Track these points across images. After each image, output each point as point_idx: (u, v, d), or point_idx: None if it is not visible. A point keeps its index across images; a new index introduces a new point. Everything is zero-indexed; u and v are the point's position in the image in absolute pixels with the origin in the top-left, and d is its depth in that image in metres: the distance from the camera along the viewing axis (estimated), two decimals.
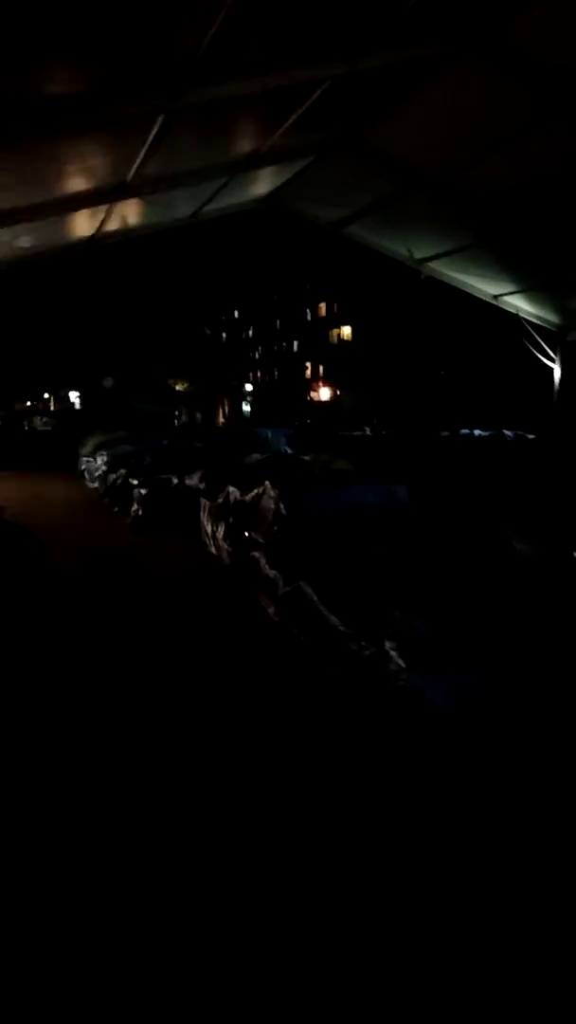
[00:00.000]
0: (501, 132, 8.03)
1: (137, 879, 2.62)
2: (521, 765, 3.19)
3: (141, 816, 3.04)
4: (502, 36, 6.43)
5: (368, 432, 22.22)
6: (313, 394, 58.48)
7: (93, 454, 15.07)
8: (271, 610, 5.50)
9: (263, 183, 10.67)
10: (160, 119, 6.43)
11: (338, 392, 53.23)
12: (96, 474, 13.91)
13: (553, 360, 13.41)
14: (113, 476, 11.94)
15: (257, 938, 2.33)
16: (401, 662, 3.61)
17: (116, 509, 11.12)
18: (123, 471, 11.45)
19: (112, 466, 12.61)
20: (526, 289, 12.66)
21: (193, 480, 9.29)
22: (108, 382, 32.87)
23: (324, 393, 56.76)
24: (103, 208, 9.11)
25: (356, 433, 20.97)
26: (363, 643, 3.98)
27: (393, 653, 3.67)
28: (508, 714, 3.38)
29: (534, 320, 13.42)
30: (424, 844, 2.86)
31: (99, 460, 13.94)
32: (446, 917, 2.45)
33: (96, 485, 13.74)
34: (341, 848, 2.84)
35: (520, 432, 17.18)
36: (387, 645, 3.73)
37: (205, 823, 2.99)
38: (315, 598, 4.66)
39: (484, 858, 2.75)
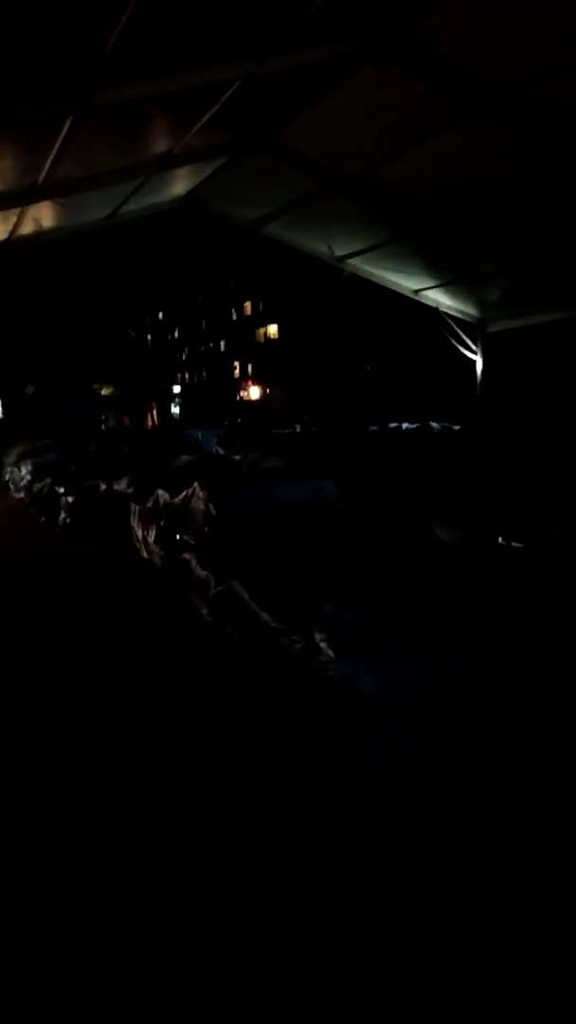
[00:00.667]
0: (411, 130, 8.19)
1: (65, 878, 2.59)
2: (452, 748, 3.29)
3: (65, 816, 3.01)
4: (404, 37, 6.56)
5: (298, 429, 22.35)
6: (243, 393, 58.47)
7: (17, 463, 14.71)
8: (204, 611, 5.49)
9: (179, 183, 10.62)
10: (69, 120, 6.34)
11: (267, 390, 53.36)
12: (21, 484, 13.58)
13: (475, 352, 13.75)
14: (39, 485, 11.69)
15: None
16: (331, 653, 3.66)
17: (43, 519, 10.90)
18: (48, 479, 11.23)
19: (37, 475, 12.35)
20: (445, 283, 12.95)
21: (121, 485, 9.18)
22: (30, 389, 32.07)
23: (254, 392, 56.82)
24: (15, 211, 8.91)
25: (287, 431, 21.07)
26: (294, 637, 4.02)
27: (323, 645, 3.72)
28: (438, 699, 3.47)
29: (455, 314, 13.73)
30: (357, 829, 2.92)
31: (23, 469, 13.62)
32: (378, 902, 2.51)
33: (22, 495, 13.42)
34: (273, 838, 2.87)
35: (446, 424, 17.58)
36: (317, 637, 3.78)
37: (139, 822, 2.98)
38: (246, 596, 4.68)
39: (416, 842, 2.83)
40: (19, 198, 8.17)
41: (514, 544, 5.38)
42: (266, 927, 2.37)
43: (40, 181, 7.80)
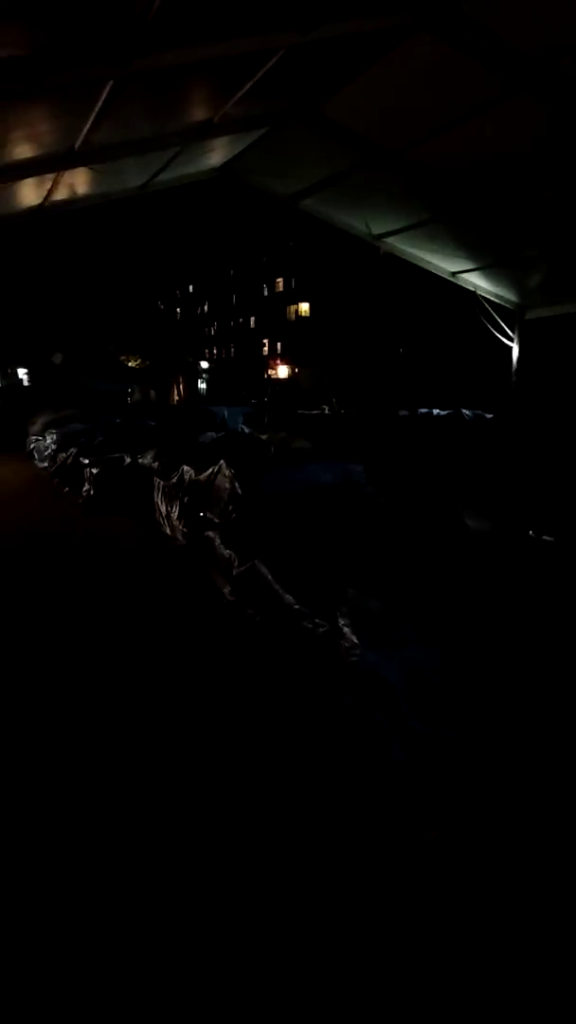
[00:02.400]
0: (457, 107, 7.96)
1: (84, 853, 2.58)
2: (475, 738, 3.23)
3: (93, 791, 3.00)
4: (456, 10, 6.35)
5: (326, 411, 22.21)
6: (271, 371, 58.16)
7: (42, 433, 14.77)
8: (226, 590, 5.47)
9: (217, 154, 10.44)
10: (109, 86, 6.23)
11: (296, 370, 53.05)
12: (45, 453, 13.64)
13: (511, 339, 13.47)
14: (63, 455, 11.72)
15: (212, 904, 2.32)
16: (355, 639, 3.62)
17: (67, 489, 10.93)
18: (73, 450, 11.25)
19: (62, 445, 12.38)
20: (484, 267, 12.66)
21: (146, 459, 9.17)
22: (57, 358, 32.12)
23: (282, 371, 56.49)
24: (50, 177, 8.82)
25: (314, 412, 20.95)
26: (317, 620, 3.98)
27: (347, 630, 3.68)
28: (461, 688, 3.42)
29: (492, 298, 13.45)
30: (374, 818, 2.88)
31: (48, 439, 13.66)
32: (394, 889, 2.47)
33: (46, 465, 13.48)
34: (294, 821, 2.84)
35: (478, 411, 17.33)
36: (341, 622, 3.73)
37: (163, 799, 2.96)
38: (270, 577, 4.64)
39: (436, 830, 2.78)
40: (55, 163, 8.08)
41: (545, 537, 5.27)
42: (275, 913, 2.34)
43: (77, 146, 7.70)
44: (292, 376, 53.35)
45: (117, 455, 9.86)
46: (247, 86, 7.32)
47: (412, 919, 2.34)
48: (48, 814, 2.89)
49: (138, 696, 4.02)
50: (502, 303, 13.54)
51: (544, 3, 6.12)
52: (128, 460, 9.63)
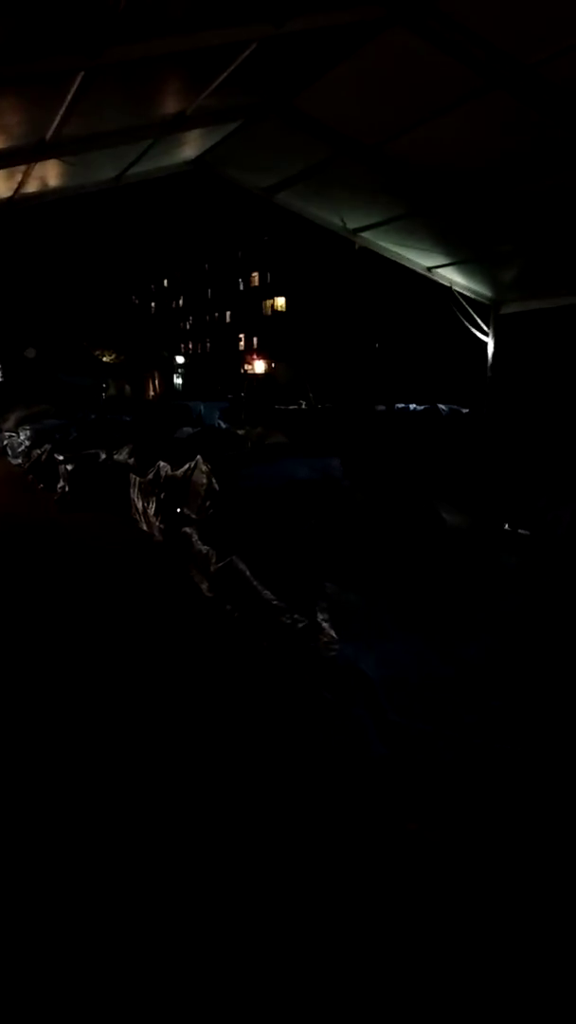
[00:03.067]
0: (432, 102, 7.95)
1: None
2: (453, 731, 3.24)
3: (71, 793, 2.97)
4: (430, 4, 6.34)
5: (303, 405, 22.21)
6: (247, 366, 58.05)
7: (15, 429, 14.61)
8: (204, 586, 5.44)
9: (191, 146, 10.35)
10: (79, 77, 6.14)
11: (273, 365, 52.98)
12: (19, 450, 13.49)
13: (487, 334, 13.51)
14: (37, 452, 11.60)
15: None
16: (333, 633, 3.62)
17: (41, 486, 10.82)
18: (48, 446, 11.14)
19: (36, 441, 12.25)
20: (459, 262, 12.68)
21: (122, 455, 9.10)
22: (30, 353, 31.76)
23: (259, 366, 56.41)
24: (21, 169, 8.70)
25: (291, 407, 20.95)
26: (296, 615, 3.97)
27: (325, 624, 3.68)
28: (440, 682, 3.43)
29: (468, 293, 13.48)
30: (353, 811, 2.88)
31: (22, 435, 13.52)
32: (374, 879, 2.47)
33: (19, 461, 13.33)
34: (275, 815, 2.83)
35: (455, 406, 17.42)
36: (319, 617, 3.73)
37: (143, 796, 2.94)
38: (248, 572, 4.63)
39: (415, 822, 2.79)
40: (25, 155, 7.95)
41: (520, 531, 5.31)
42: (262, 909, 2.33)
43: (47, 138, 7.59)
44: (269, 371, 53.29)
45: (92, 451, 9.78)
46: (220, 78, 7.26)
47: (392, 908, 2.34)
48: (32, 815, 2.86)
49: (116, 693, 3.99)
50: (477, 298, 13.58)
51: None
52: (103, 456, 9.56)
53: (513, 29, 6.54)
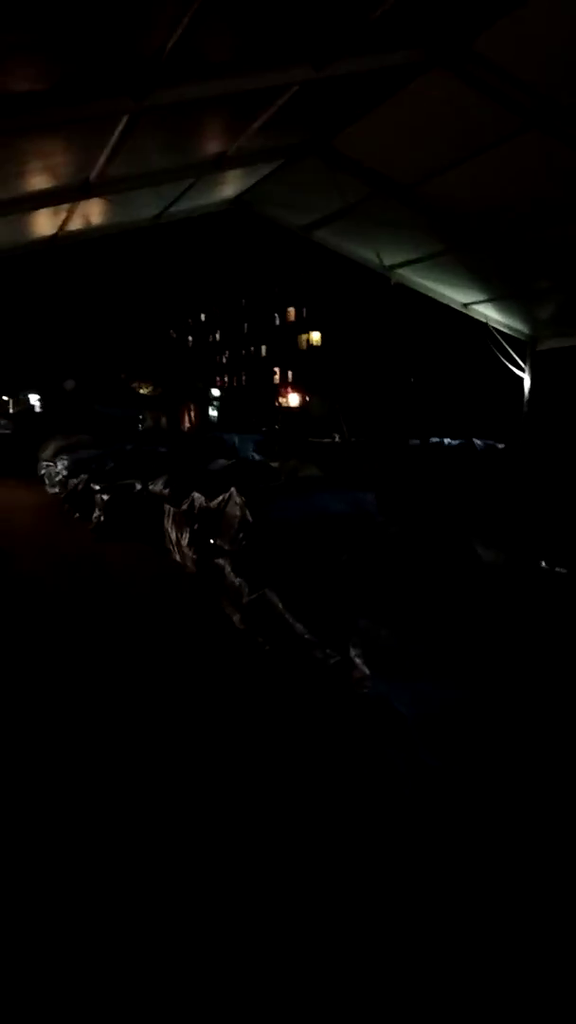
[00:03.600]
0: (469, 142, 8.05)
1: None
2: (488, 772, 3.16)
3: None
4: (466, 47, 6.45)
5: (337, 439, 22.25)
6: (281, 399, 58.54)
7: (53, 458, 14.82)
8: (236, 618, 5.42)
9: (230, 186, 10.60)
10: (124, 119, 6.34)
11: (307, 398, 53.34)
12: (56, 479, 13.67)
13: (523, 369, 13.49)
14: (74, 481, 11.75)
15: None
16: (366, 669, 3.57)
17: (77, 515, 10.94)
18: (84, 476, 11.28)
19: (73, 471, 12.41)
20: (495, 298, 12.73)
21: (157, 486, 9.17)
22: (69, 384, 32.39)
23: (293, 399, 56.83)
24: (65, 207, 8.96)
25: (325, 440, 21.01)
26: (328, 651, 3.93)
27: (358, 661, 3.63)
28: (474, 723, 3.35)
29: (504, 329, 13.50)
30: (389, 851, 2.81)
31: (59, 465, 13.71)
32: (400, 928, 2.39)
33: (56, 490, 13.51)
34: (302, 855, 2.77)
35: (490, 441, 17.31)
36: (352, 652, 3.69)
37: (162, 837, 2.90)
38: (280, 606, 4.60)
39: (440, 869, 2.71)
40: (71, 194, 8.20)
41: (558, 569, 5.22)
42: (278, 952, 2.27)
43: (92, 178, 7.82)
44: (303, 404, 53.64)
45: (128, 481, 9.87)
46: (261, 120, 7.43)
47: (417, 960, 2.26)
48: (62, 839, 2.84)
49: (148, 724, 3.96)
50: (514, 334, 13.58)
51: (553, 40, 6.21)
52: (139, 487, 9.64)
53: (549, 70, 6.62)
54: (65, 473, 12.91)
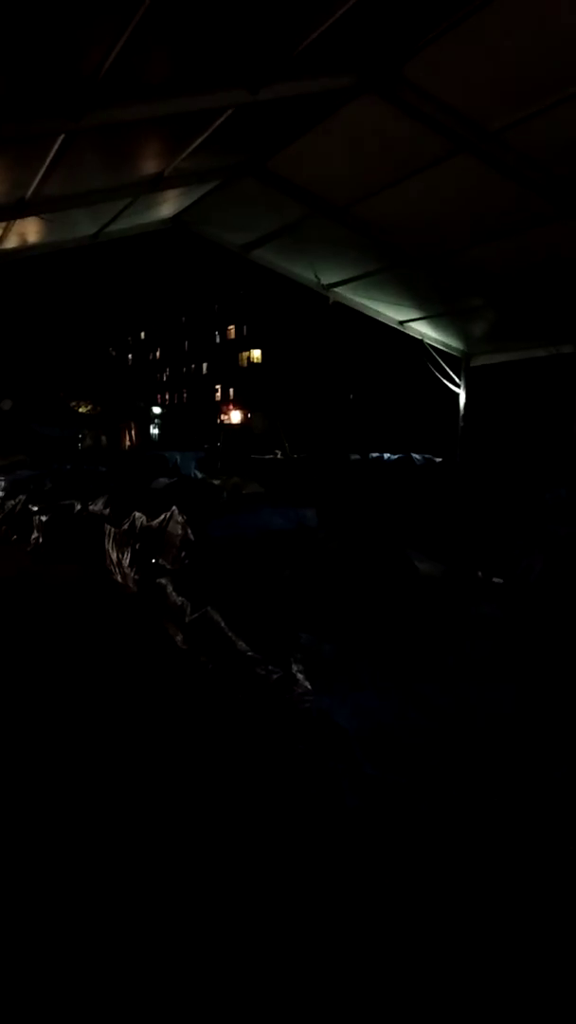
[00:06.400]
0: (401, 165, 8.28)
1: None
2: (428, 784, 3.21)
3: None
4: (396, 74, 6.65)
5: (279, 455, 22.36)
6: (224, 417, 58.58)
7: None
8: (179, 638, 5.38)
9: (168, 205, 10.64)
10: (60, 138, 6.32)
11: (249, 415, 53.49)
12: None
13: (458, 385, 13.85)
14: (11, 502, 11.52)
15: None
16: (308, 684, 3.59)
17: (15, 537, 10.72)
18: (22, 497, 11.07)
19: (10, 492, 12.16)
20: (430, 316, 13.06)
21: (97, 506, 9.07)
22: (6, 404, 31.71)
23: (235, 416, 56.95)
24: (1, 225, 8.86)
25: (267, 456, 21.08)
26: (271, 667, 3.94)
27: (300, 676, 3.66)
28: (414, 734, 3.40)
29: (439, 346, 13.85)
30: (327, 864, 2.83)
31: None
32: (340, 942, 2.41)
33: None
34: (242, 870, 2.76)
35: (428, 455, 17.67)
36: (294, 668, 3.71)
37: (100, 853, 2.86)
38: (223, 624, 4.59)
39: (383, 878, 2.74)
40: (5, 213, 8.12)
41: (494, 579, 5.35)
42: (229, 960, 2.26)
43: (27, 197, 7.76)
44: (245, 421, 53.77)
45: (67, 502, 9.73)
46: (197, 141, 7.50)
47: (358, 971, 2.29)
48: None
49: (89, 746, 3.90)
50: (448, 350, 13.94)
51: (479, 68, 6.46)
52: (78, 507, 9.51)
53: (477, 98, 6.88)
54: (2, 495, 12.65)
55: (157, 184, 8.68)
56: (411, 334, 13.86)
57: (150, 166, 8.28)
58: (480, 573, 5.49)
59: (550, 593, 4.74)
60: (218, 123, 7.11)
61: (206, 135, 7.36)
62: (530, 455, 17.31)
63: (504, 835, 2.97)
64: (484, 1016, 2.13)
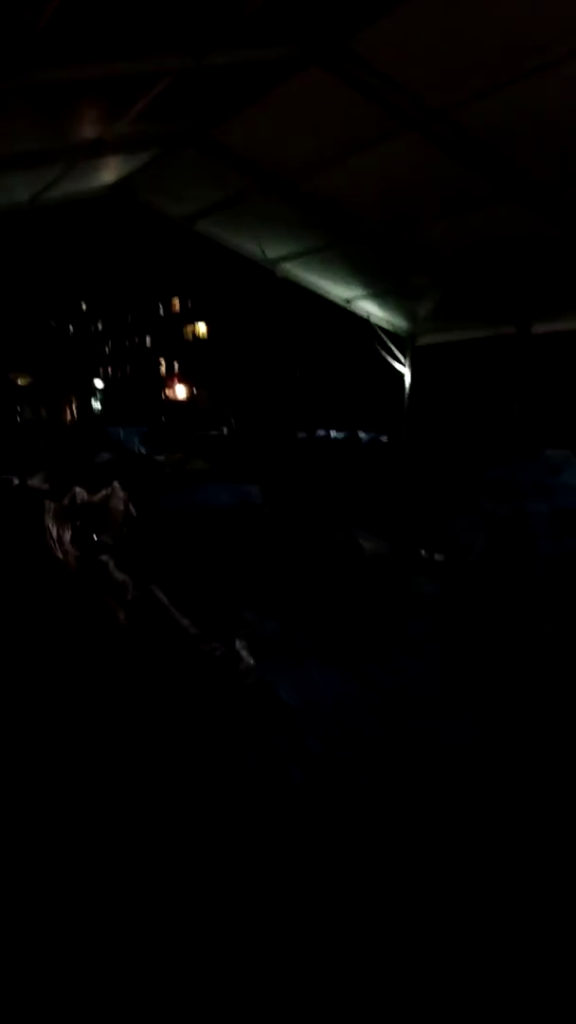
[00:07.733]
0: (348, 140, 8.21)
1: None
2: (370, 757, 3.27)
3: None
4: (343, 47, 6.57)
5: (225, 432, 22.17)
6: (168, 392, 57.76)
7: None
8: (121, 615, 5.33)
9: (109, 172, 10.34)
10: None
11: (194, 390, 52.92)
12: None
13: (404, 364, 13.93)
14: None
15: None
16: (251, 661, 3.62)
17: None
18: None
19: None
20: (376, 294, 13.07)
21: (36, 481, 8.87)
22: None
23: (180, 391, 56.21)
24: None
25: (213, 432, 20.88)
26: (214, 644, 3.94)
27: (244, 652, 3.67)
28: (357, 708, 3.46)
29: (385, 325, 13.88)
30: (273, 839, 2.86)
31: None
32: (285, 912, 2.45)
33: None
34: (183, 847, 2.78)
35: (374, 434, 17.77)
36: (238, 645, 3.72)
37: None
38: (166, 601, 4.57)
39: (328, 852, 2.79)
40: None
41: (436, 557, 5.45)
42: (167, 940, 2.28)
43: None
44: (190, 396, 53.19)
45: (4, 477, 9.50)
46: (139, 107, 7.30)
47: (304, 939, 2.33)
48: None
49: (21, 726, 3.84)
50: (394, 330, 14.00)
51: (422, 45, 6.43)
52: (16, 482, 9.29)
53: (423, 74, 6.84)
54: None
55: (97, 150, 8.44)
56: (357, 312, 13.87)
57: (89, 130, 8.03)
58: (423, 551, 5.58)
59: (490, 571, 4.85)
60: (160, 88, 6.91)
61: (148, 101, 7.16)
62: (473, 434, 17.60)
63: (442, 805, 3.05)
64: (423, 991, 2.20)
